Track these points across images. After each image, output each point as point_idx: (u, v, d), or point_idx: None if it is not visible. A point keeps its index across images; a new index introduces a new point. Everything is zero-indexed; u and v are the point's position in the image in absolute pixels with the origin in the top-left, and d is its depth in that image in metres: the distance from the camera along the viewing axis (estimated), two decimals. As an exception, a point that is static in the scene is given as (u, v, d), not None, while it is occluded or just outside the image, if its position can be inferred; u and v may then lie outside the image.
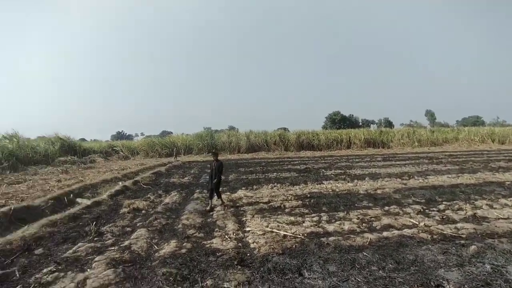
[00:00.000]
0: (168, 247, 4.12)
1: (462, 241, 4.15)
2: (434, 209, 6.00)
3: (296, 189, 8.47)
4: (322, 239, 4.36)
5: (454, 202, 6.51)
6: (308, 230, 4.75)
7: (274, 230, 4.79)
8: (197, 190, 8.82)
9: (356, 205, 6.51)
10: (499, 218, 5.25)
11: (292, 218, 5.50)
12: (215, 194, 6.58)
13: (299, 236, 4.49)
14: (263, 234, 4.66)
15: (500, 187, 8.05)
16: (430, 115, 66.11)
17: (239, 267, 3.49)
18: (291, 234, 4.57)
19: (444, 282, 3.04)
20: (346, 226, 4.96)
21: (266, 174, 11.99)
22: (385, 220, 5.19)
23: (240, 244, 4.29)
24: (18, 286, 3.10)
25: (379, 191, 7.83)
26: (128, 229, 5.13)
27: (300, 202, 6.83)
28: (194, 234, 4.73)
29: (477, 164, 13.57)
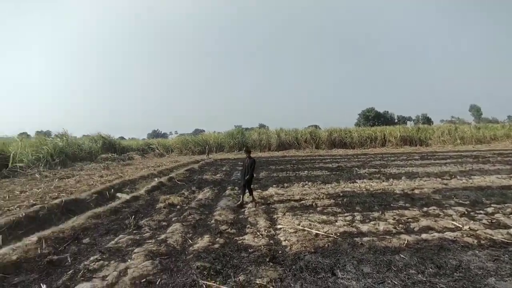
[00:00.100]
0: (202, 242, 4.25)
1: (517, 249, 3.79)
2: (481, 212, 5.52)
3: (328, 188, 8.31)
4: (355, 239, 4.23)
5: (506, 205, 5.92)
6: (341, 230, 4.63)
7: (306, 228, 4.75)
8: (229, 187, 8.99)
9: (391, 205, 6.23)
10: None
11: (324, 217, 5.40)
12: (246, 190, 6.68)
13: (332, 236, 4.40)
14: (295, 232, 4.63)
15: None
16: (475, 110, 61.08)
17: (271, 264, 3.50)
18: (323, 233, 4.50)
19: (495, 291, 2.81)
20: (381, 226, 4.77)
21: (297, 172, 11.90)
22: (424, 222, 4.90)
23: (271, 241, 4.31)
24: (70, 271, 3.39)
25: (416, 191, 7.42)
26: (164, 223, 5.37)
27: (332, 201, 6.69)
28: (227, 230, 4.84)
29: (531, 163, 12.33)
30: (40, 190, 8.29)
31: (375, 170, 12.02)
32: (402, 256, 3.60)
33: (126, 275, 3.23)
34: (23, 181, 10.44)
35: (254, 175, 7.09)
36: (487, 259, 3.47)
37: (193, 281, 3.11)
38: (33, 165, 13.69)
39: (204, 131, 40.08)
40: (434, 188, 7.68)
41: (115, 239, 4.42)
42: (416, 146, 28.43)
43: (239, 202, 6.66)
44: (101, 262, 3.60)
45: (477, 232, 4.39)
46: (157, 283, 3.11)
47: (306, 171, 12.14)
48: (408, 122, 55.09)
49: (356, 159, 17.38)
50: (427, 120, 55.02)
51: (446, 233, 4.38)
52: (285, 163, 16.01)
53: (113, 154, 21.55)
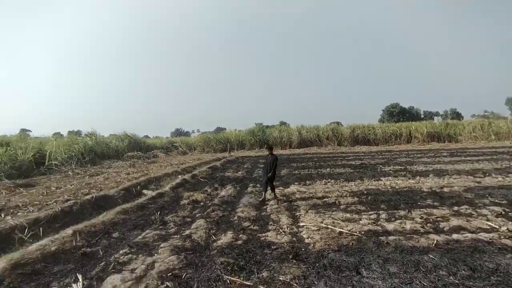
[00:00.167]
0: (225, 238, 4.32)
1: None
2: (520, 212, 5.18)
3: (351, 185, 8.15)
4: (381, 237, 4.13)
5: (550, 205, 5.51)
6: (366, 228, 4.53)
7: (329, 226, 4.69)
8: (251, 184, 9.06)
9: (419, 203, 5.99)
10: None
11: (348, 215, 5.31)
12: (268, 187, 6.70)
13: (356, 234, 4.31)
14: (318, 229, 4.59)
15: None
16: (513, 103, 56.89)
17: (294, 261, 3.50)
18: (347, 231, 4.42)
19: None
20: (408, 225, 4.60)
21: (319, 170, 11.75)
22: (455, 222, 4.67)
23: (294, 238, 4.30)
24: (102, 263, 3.57)
25: (446, 189, 7.09)
26: (188, 219, 5.51)
27: (356, 198, 6.55)
28: (249, 227, 4.88)
29: None
30: (73, 186, 8.78)
31: (401, 167, 11.60)
32: (431, 256, 3.46)
33: (153, 269, 3.35)
34: (58, 177, 11.10)
35: (276, 172, 7.10)
36: (528, 263, 3.25)
37: (217, 276, 3.17)
38: (66, 163, 14.51)
39: (225, 129, 40.54)
40: (465, 187, 7.30)
41: (142, 234, 4.58)
42: (444, 142, 27.07)
43: (261, 198, 6.73)
44: (130, 255, 3.75)
45: (516, 233, 4.12)
46: (183, 277, 3.20)
47: (328, 169, 11.96)
48: (435, 117, 52.53)
49: (380, 156, 16.87)
50: (457, 115, 52.22)
51: (481, 234, 4.15)
52: (307, 161, 15.85)
53: (138, 152, 22.33)
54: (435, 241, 3.88)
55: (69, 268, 3.50)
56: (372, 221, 4.93)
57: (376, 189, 7.54)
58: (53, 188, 8.59)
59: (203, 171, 11.87)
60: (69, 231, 4.36)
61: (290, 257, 3.60)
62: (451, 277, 2.97)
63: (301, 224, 4.97)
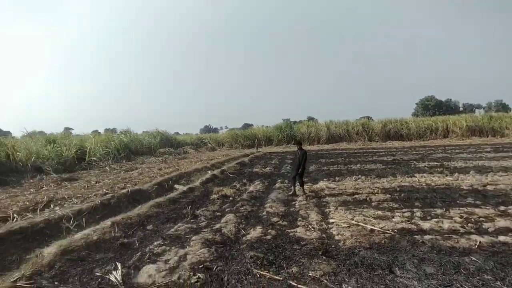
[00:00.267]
0: (254, 233, 4.36)
1: None
2: None
3: (383, 182, 7.85)
4: (415, 236, 3.94)
5: None
6: (399, 226, 4.35)
7: (360, 223, 4.56)
8: (279, 180, 9.04)
9: (458, 202, 5.64)
10: None
11: (380, 212, 5.12)
12: (297, 182, 6.67)
13: (389, 232, 4.15)
14: (348, 226, 4.48)
15: None
16: None
17: (324, 257, 3.44)
18: (379, 229, 4.27)
19: None
20: (446, 224, 4.34)
21: (349, 166, 11.46)
22: (501, 222, 4.32)
23: (324, 235, 4.23)
24: (138, 253, 3.76)
25: (489, 187, 6.59)
26: (218, 213, 5.63)
27: (388, 195, 6.30)
28: (278, 222, 4.89)
29: None
30: (110, 181, 9.33)
31: (437, 163, 10.98)
32: (473, 258, 3.23)
33: (186, 260, 3.47)
34: (96, 172, 11.88)
35: (306, 167, 7.05)
36: None
37: (247, 270, 3.22)
38: (103, 159, 15.46)
39: (252, 125, 40.76)
40: (513, 185, 6.72)
41: (175, 227, 4.77)
42: (487, 137, 25.09)
43: (291, 192, 6.74)
44: (163, 247, 3.92)
45: None
46: (214, 269, 3.28)
47: (358, 165, 11.62)
48: (476, 110, 48.80)
49: (414, 152, 16.09)
50: (503, 107, 48.16)
51: (533, 236, 3.81)
52: (336, 156, 15.52)
53: (169, 148, 23.19)
54: (478, 243, 3.61)
55: (109, 256, 3.74)
56: (406, 219, 4.72)
57: (409, 186, 7.21)
58: (92, 182, 9.20)
59: (231, 167, 12.06)
60: (108, 222, 4.65)
61: (320, 253, 3.55)
62: (498, 282, 2.75)
63: (331, 220, 4.88)
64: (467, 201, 5.65)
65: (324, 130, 27.91)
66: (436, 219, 4.62)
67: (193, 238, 4.18)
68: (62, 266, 3.39)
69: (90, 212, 5.46)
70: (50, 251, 3.57)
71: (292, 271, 3.16)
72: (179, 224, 4.90)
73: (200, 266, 3.31)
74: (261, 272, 3.14)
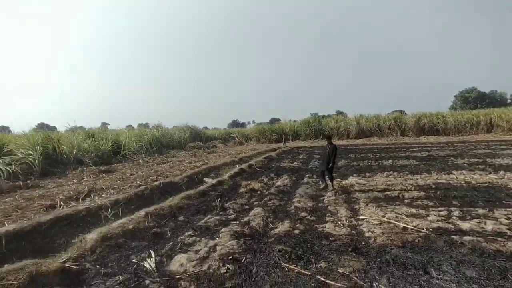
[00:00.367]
0: (282, 227, 4.36)
1: None
2: None
3: (417, 179, 7.46)
4: (453, 237, 3.71)
5: None
6: (434, 225, 4.12)
7: (392, 221, 4.38)
8: (307, 175, 8.93)
9: (503, 202, 5.22)
10: None
11: (413, 210, 4.88)
12: (326, 177, 6.56)
13: (423, 231, 3.95)
14: (379, 224, 4.33)
15: None
16: None
17: (354, 254, 3.36)
18: (412, 227, 4.09)
19: None
20: (489, 226, 4.03)
21: (380, 161, 11.03)
22: (555, 225, 3.94)
23: (353, 231, 4.13)
24: (170, 243, 3.93)
25: (542, 187, 6.01)
26: (246, 207, 5.70)
27: (422, 193, 5.99)
28: (306, 217, 4.84)
29: None
30: (143, 173, 9.79)
31: (478, 160, 10.21)
32: (523, 264, 2.98)
33: (215, 251, 3.57)
34: (131, 165, 12.52)
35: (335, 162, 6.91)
36: None
37: (275, 263, 3.23)
38: (137, 152, 16.26)
39: (279, 120, 40.55)
40: None
41: (205, 219, 4.90)
42: (539, 131, 22.87)
43: (323, 185, 6.69)
44: (194, 238, 4.05)
45: None
46: (242, 261, 3.33)
47: (390, 160, 11.15)
48: (527, 102, 44.53)
49: (452, 147, 15.10)
50: (560, 98, 43.47)
51: None
52: (366, 152, 15.01)
53: (199, 142, 23.85)
54: (528, 247, 3.33)
55: (143, 244, 3.94)
56: (442, 218, 4.47)
57: (446, 183, 6.79)
58: (127, 174, 9.71)
59: (259, 161, 12.12)
60: (142, 212, 4.89)
61: (350, 249, 3.48)
62: (550, 290, 2.52)
63: (361, 217, 4.74)
64: (514, 201, 5.22)
65: (353, 125, 27.05)
66: (477, 220, 4.32)
67: (222, 230, 4.27)
68: (102, 251, 3.64)
69: (126, 203, 5.78)
70: (91, 237, 3.84)
71: (321, 266, 3.12)
72: (208, 216, 5.03)
73: (229, 258, 3.38)
74: (290, 266, 3.14)
